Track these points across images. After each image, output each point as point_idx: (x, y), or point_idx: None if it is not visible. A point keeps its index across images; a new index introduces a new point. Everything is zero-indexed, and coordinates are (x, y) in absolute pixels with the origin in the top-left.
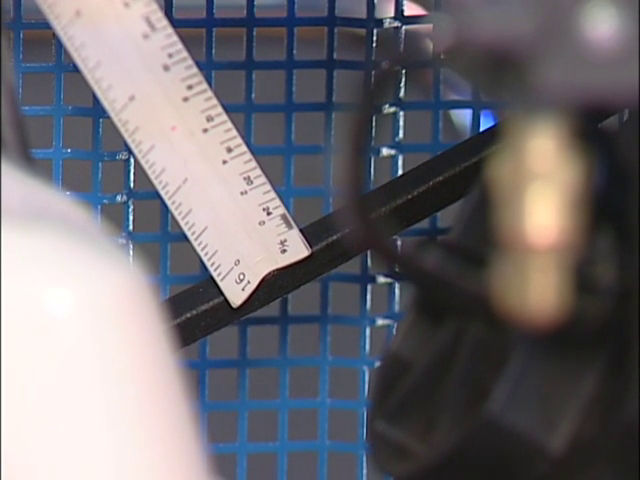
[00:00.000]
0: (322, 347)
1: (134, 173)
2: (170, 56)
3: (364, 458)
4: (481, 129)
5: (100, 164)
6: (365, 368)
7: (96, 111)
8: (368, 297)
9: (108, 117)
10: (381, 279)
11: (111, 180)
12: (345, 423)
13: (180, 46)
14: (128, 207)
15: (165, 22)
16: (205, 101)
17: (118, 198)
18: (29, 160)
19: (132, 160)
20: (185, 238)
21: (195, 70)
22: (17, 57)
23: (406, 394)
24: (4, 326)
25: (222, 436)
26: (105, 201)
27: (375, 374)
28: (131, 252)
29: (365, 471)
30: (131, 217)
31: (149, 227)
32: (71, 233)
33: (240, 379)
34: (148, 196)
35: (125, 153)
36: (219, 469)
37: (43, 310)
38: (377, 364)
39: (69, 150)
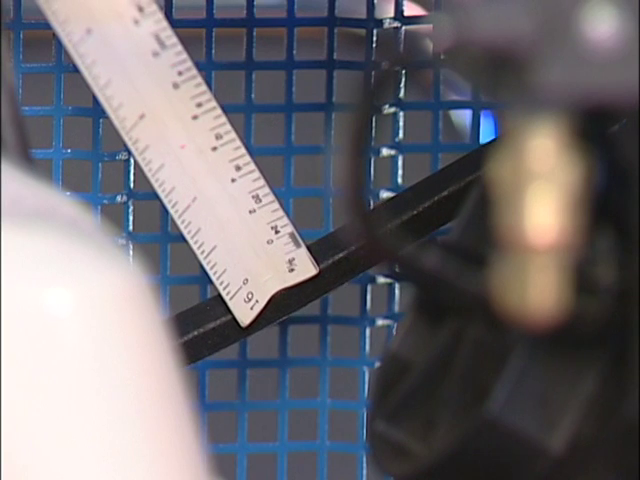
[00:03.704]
0: (322, 347)
1: (134, 173)
2: (180, 74)
3: (364, 458)
4: (481, 131)
5: (100, 164)
6: (365, 368)
7: (96, 111)
8: (368, 297)
9: (108, 117)
10: (381, 279)
11: (111, 180)
12: (345, 423)
13: (190, 64)
14: (128, 207)
15: (175, 40)
16: (214, 119)
17: (118, 198)
18: (29, 160)
19: (132, 160)
20: (184, 239)
21: (204, 88)
22: (17, 57)
23: (406, 394)
24: (3, 326)
25: (222, 436)
26: (105, 201)
27: (375, 374)
28: (131, 252)
29: (365, 471)
30: (131, 217)
31: (149, 227)
32: (71, 233)
33: (240, 379)
34: (148, 196)
35: (125, 153)
36: (219, 469)
37: (42, 310)
38: (377, 364)
39: (69, 150)
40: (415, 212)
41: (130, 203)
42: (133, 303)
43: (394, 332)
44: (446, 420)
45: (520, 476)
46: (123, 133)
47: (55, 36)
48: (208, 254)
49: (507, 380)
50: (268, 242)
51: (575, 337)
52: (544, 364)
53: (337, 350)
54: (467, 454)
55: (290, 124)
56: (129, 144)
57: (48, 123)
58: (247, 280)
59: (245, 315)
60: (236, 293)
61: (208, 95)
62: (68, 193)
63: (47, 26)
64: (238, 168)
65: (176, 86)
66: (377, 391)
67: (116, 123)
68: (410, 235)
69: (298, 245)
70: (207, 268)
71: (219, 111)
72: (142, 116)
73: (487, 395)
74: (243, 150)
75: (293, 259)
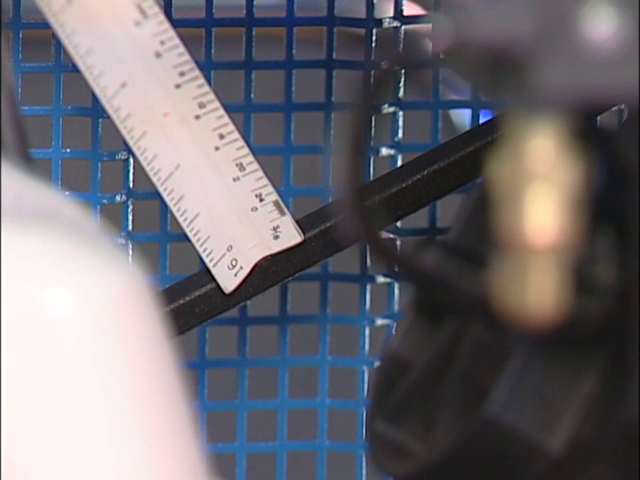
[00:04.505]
0: (321, 347)
1: (133, 173)
2: (162, 43)
3: (363, 458)
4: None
5: (99, 164)
6: (364, 368)
7: (95, 111)
8: (367, 297)
9: (107, 117)
10: (380, 279)
11: (110, 180)
12: (344, 423)
13: (172, 33)
14: (127, 207)
15: (157, 9)
16: (197, 88)
17: (117, 198)
18: (28, 160)
19: (131, 160)
20: (184, 238)
21: (187, 57)
22: (17, 57)
23: (405, 394)
24: (3, 326)
25: (222, 436)
26: (104, 201)
27: (374, 374)
28: (130, 252)
29: (365, 471)
30: (130, 217)
31: (148, 227)
32: (70, 233)
33: (239, 379)
34: (147, 196)
35: (124, 153)
36: (219, 469)
37: (41, 310)
38: (376, 364)
39: (68, 150)
40: (405, 185)
41: (129, 203)
42: (132, 303)
43: (393, 332)
44: (446, 420)
45: (520, 476)
46: (104, 101)
47: (55, 36)
48: (191, 221)
49: (507, 380)
50: (252, 209)
51: (575, 337)
52: (544, 364)
53: (336, 349)
54: (467, 454)
55: (289, 124)
56: (110, 112)
57: (47, 123)
58: (231, 247)
59: (229, 282)
60: (219, 260)
61: (191, 64)
62: (67, 193)
63: (46, 26)
64: (222, 136)
65: (158, 55)
66: (376, 391)
67: (97, 91)
68: (400, 209)
69: (282, 213)
70: (190, 235)
71: (202, 80)
72: (124, 84)
73: (487, 395)
74: (227, 119)
75: (278, 226)
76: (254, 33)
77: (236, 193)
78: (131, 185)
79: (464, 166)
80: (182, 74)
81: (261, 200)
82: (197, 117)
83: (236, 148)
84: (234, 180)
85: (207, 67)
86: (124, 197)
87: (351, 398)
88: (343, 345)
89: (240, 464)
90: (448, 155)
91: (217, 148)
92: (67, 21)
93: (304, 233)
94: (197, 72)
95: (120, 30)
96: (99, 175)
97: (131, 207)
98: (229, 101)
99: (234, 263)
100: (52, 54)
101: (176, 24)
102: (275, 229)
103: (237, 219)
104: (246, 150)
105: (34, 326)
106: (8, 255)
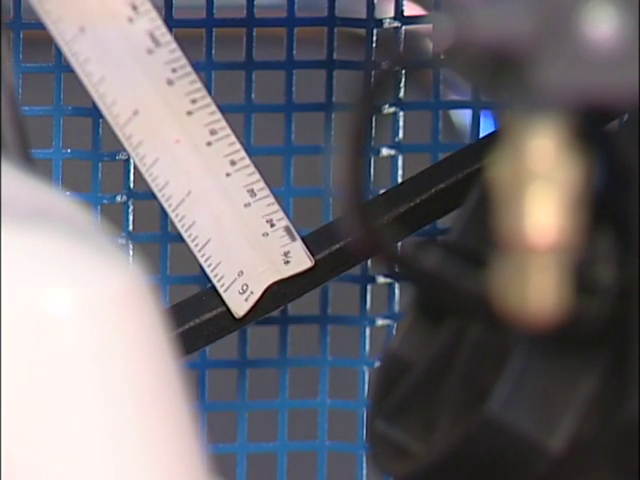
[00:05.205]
0: (322, 347)
1: (134, 173)
2: (174, 71)
3: (364, 458)
4: (481, 130)
5: (100, 164)
6: (365, 368)
7: (96, 111)
8: (368, 297)
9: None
10: (381, 279)
11: (111, 180)
12: (345, 423)
13: (184, 61)
14: (128, 207)
15: (169, 37)
16: (209, 115)
17: (118, 198)
18: (29, 160)
19: (132, 160)
20: (184, 238)
21: (199, 85)
22: (17, 57)
23: (406, 394)
24: (3, 327)
25: (222, 436)
26: (105, 201)
27: (375, 374)
28: (131, 252)
29: (365, 471)
30: (131, 217)
31: (149, 227)
32: (71, 233)
33: (240, 379)
34: (148, 196)
35: (125, 153)
36: (219, 469)
37: (42, 311)
38: (377, 364)
39: (69, 150)
40: (412, 204)
41: (130, 203)
42: (133, 303)
43: (394, 332)
44: (446, 420)
45: (520, 476)
46: (117, 129)
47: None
48: (202, 247)
49: (507, 380)
50: (263, 235)
51: (575, 337)
52: (544, 364)
53: (337, 350)
54: (467, 454)
55: (290, 124)
56: (122, 140)
57: (48, 123)
58: (242, 272)
59: (239, 307)
60: (230, 285)
61: (203, 92)
62: (68, 193)
63: None
64: (233, 163)
65: (170, 83)
66: (377, 391)
67: (109, 119)
68: (407, 227)
69: (293, 238)
70: (201, 261)
71: (214, 107)
72: (136, 112)
73: (487, 395)
74: (238, 146)
75: (288, 252)
76: (254, 33)
77: (247, 219)
78: (132, 185)
79: (470, 183)
80: (194, 101)
81: (272, 225)
82: (209, 144)
83: (247, 174)
84: (245, 206)
85: (207, 67)
86: (125, 197)
87: (351, 398)
88: (344, 345)
89: (240, 464)
90: (455, 173)
91: (228, 174)
92: (80, 50)
93: (313, 256)
94: (209, 99)
95: (132, 58)
96: (99, 175)
97: (132, 207)
98: (229, 101)
99: (245, 288)
100: (52, 54)
101: (176, 24)
102: (286, 254)
103: (248, 244)
104: (257, 176)
105: (34, 326)
106: (8, 255)
